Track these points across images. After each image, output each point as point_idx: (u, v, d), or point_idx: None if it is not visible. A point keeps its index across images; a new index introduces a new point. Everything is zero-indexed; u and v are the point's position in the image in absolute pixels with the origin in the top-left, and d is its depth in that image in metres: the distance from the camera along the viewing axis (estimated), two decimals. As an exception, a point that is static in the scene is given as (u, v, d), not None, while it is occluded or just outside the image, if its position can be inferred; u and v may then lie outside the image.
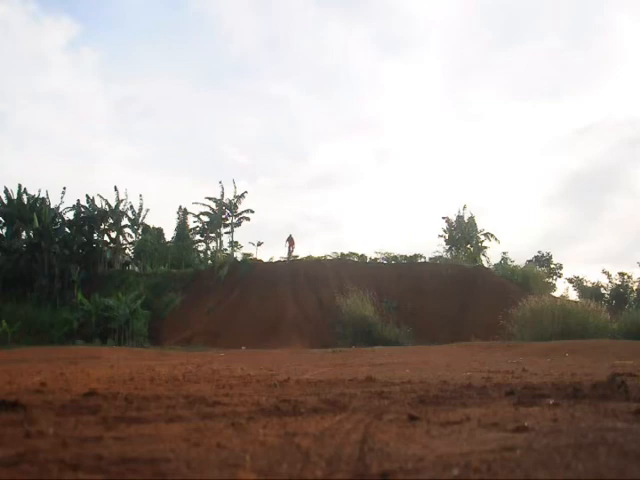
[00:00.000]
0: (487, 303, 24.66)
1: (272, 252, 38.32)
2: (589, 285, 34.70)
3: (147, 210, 31.71)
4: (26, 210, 29.35)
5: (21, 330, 23.26)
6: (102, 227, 31.05)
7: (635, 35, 54.14)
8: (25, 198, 29.85)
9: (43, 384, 3.44)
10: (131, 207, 31.33)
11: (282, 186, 51.42)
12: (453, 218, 35.39)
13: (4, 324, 22.76)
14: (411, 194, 54.00)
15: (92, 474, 1.22)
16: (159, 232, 34.50)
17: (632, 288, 32.95)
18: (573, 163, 54.22)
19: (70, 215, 30.85)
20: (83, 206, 30.89)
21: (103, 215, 30.66)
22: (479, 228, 35.21)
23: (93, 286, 27.24)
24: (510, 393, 2.92)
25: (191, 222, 34.78)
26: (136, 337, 23.55)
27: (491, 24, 55.35)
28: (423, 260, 33.98)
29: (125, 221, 31.53)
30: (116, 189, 31.07)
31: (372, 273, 29.33)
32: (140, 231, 32.33)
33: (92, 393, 2.81)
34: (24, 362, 8.88)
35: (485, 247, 35.26)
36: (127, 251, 33.02)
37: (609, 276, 33.89)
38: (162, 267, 31.17)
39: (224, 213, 32.47)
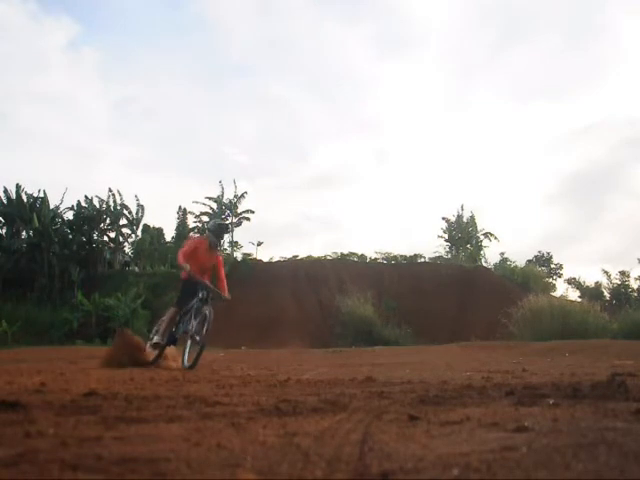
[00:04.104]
0: (487, 303, 24.68)
1: (272, 252, 38.44)
2: (589, 285, 34.78)
3: (144, 209, 31.80)
4: (26, 210, 29.38)
5: (21, 330, 23.26)
6: (101, 227, 31.10)
7: (635, 35, 54.12)
8: (25, 198, 29.89)
9: (43, 384, 3.43)
10: (127, 207, 31.42)
11: (282, 186, 51.39)
12: (453, 218, 35.45)
13: (4, 324, 22.76)
14: (411, 194, 54.01)
15: (92, 474, 1.22)
16: (159, 232, 34.52)
17: (632, 288, 33.00)
18: (573, 163, 54.19)
19: (70, 215, 30.95)
20: (83, 206, 30.96)
21: (101, 215, 30.71)
22: (479, 228, 35.28)
23: (93, 286, 27.24)
24: (510, 393, 2.92)
25: (191, 222, 34.86)
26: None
27: (491, 24, 55.37)
28: (423, 260, 34.03)
29: (124, 221, 31.61)
30: (110, 190, 31.16)
31: (372, 273, 29.34)
32: (139, 231, 32.38)
33: (92, 393, 2.81)
34: (24, 362, 8.88)
35: (485, 247, 35.33)
36: (127, 251, 33.08)
37: (609, 276, 33.97)
38: (162, 267, 31.19)
39: (224, 213, 32.49)
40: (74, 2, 54.96)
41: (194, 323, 6.69)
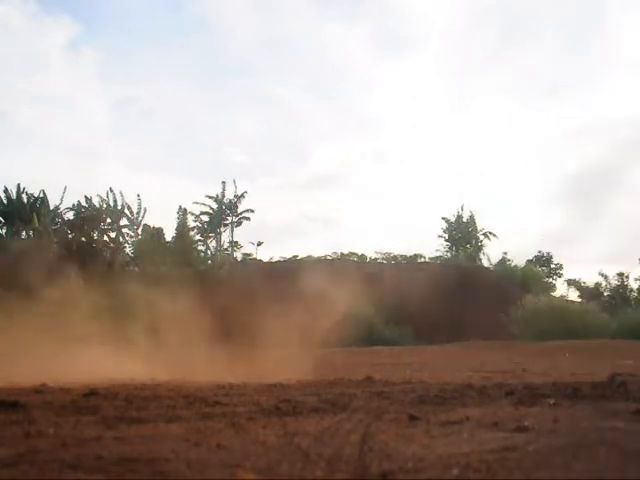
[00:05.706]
0: (487, 303, 24.69)
1: (272, 252, 38.39)
2: (589, 286, 34.74)
3: (145, 209, 31.81)
4: (26, 210, 29.39)
5: (21, 330, 23.25)
6: (101, 227, 31.11)
7: (635, 35, 54.01)
8: (25, 198, 29.92)
9: (43, 384, 3.43)
10: (129, 207, 31.46)
11: (282, 186, 51.28)
12: (453, 218, 35.44)
13: (4, 324, 22.76)
14: (411, 194, 53.90)
15: (92, 474, 1.22)
16: (159, 232, 34.51)
17: (632, 288, 32.95)
18: (573, 163, 54.12)
19: (70, 215, 30.98)
20: (83, 206, 30.99)
21: (102, 215, 30.73)
22: (479, 228, 35.27)
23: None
24: (510, 393, 2.92)
25: (191, 222, 34.87)
26: (136, 337, 23.54)
27: (491, 24, 55.26)
28: (423, 260, 34.03)
29: (124, 221, 31.65)
30: (112, 190, 31.19)
31: (372, 273, 29.34)
32: (140, 231, 32.40)
33: (92, 393, 2.81)
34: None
35: (485, 246, 35.33)
36: (127, 251, 33.08)
37: (606, 278, 33.90)
38: (162, 267, 31.19)
39: (224, 213, 32.51)
40: (74, 2, 54.84)
41: None
